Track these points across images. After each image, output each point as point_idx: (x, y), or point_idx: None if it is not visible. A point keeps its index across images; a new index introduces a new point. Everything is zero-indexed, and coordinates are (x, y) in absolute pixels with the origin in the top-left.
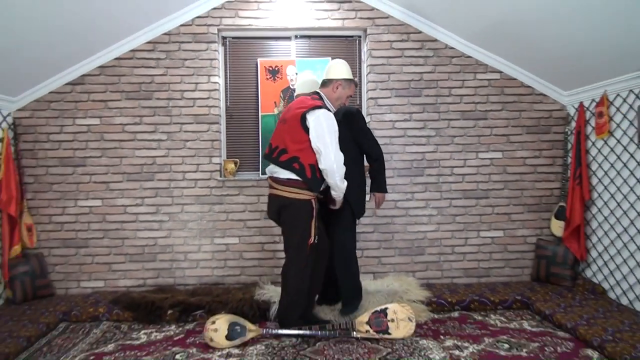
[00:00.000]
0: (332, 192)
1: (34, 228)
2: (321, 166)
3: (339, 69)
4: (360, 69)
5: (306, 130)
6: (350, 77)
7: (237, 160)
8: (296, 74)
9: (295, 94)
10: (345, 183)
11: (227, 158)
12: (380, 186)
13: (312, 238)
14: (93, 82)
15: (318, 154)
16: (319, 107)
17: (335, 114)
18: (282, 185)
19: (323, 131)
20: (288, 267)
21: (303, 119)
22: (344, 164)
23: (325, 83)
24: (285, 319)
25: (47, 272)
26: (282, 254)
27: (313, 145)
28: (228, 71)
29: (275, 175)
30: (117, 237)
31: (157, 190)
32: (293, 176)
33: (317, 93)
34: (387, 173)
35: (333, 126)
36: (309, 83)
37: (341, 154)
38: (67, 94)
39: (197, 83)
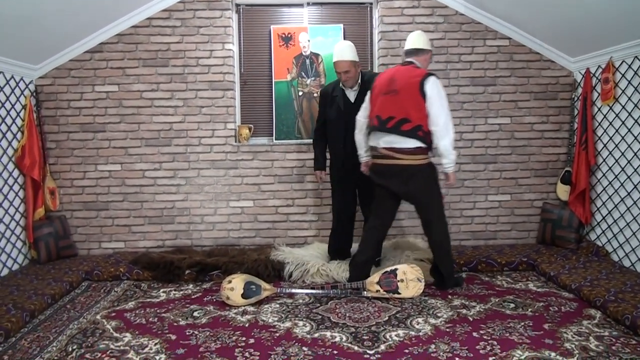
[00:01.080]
0: (444, 161)
1: (56, 191)
2: (436, 128)
3: (427, 40)
4: (371, 35)
5: (423, 97)
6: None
7: (251, 125)
8: (309, 40)
9: (336, 60)
10: (455, 153)
11: (242, 124)
12: None
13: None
14: (111, 49)
15: (436, 117)
16: (431, 74)
17: (368, 82)
18: (409, 155)
19: (440, 97)
20: (441, 233)
21: (421, 86)
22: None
23: (418, 52)
24: (454, 283)
25: (69, 234)
26: (296, 217)
27: (431, 110)
28: (242, 38)
29: (397, 145)
30: (136, 200)
31: (174, 155)
32: (419, 144)
33: (412, 62)
34: None
35: (444, 92)
36: (348, 49)
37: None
38: (87, 61)
39: (211, 50)
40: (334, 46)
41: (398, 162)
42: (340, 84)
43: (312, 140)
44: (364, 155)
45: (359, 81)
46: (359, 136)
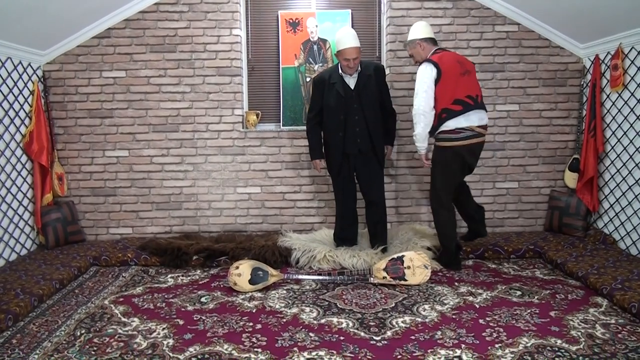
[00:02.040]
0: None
1: (64, 177)
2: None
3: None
4: (379, 20)
5: None
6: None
7: (259, 112)
8: (316, 26)
9: (347, 47)
10: None
11: (249, 110)
12: (393, 139)
13: None
14: (119, 35)
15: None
16: None
17: (366, 69)
18: (485, 130)
19: None
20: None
21: None
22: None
23: (434, 41)
24: (445, 262)
25: (77, 219)
26: (303, 203)
27: None
28: (249, 24)
29: (485, 122)
30: (144, 186)
31: (182, 141)
32: None
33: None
34: (407, 124)
35: None
36: (356, 35)
37: None
38: (94, 47)
39: (219, 36)
40: (335, 33)
41: (484, 138)
42: (340, 71)
43: (305, 129)
44: (425, 148)
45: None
46: (426, 130)
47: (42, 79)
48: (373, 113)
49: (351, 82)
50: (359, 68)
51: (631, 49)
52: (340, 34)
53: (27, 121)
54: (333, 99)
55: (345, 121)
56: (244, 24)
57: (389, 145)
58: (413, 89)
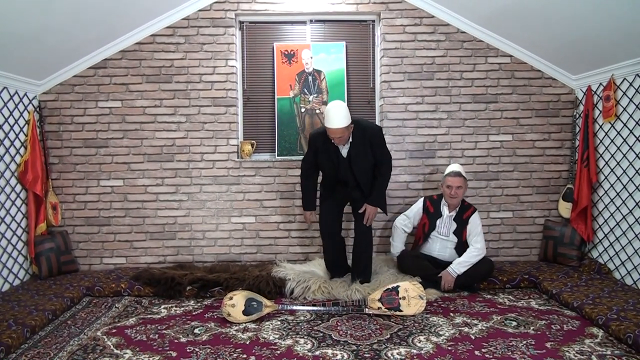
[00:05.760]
0: None
1: (58, 207)
2: None
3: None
4: (373, 52)
5: None
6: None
7: (254, 141)
8: (311, 57)
9: (330, 127)
10: None
11: (244, 140)
12: (377, 200)
13: None
14: (115, 65)
15: None
16: None
17: (361, 136)
18: None
19: None
20: None
21: None
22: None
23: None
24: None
25: (71, 249)
26: (297, 233)
27: None
28: (245, 55)
29: None
30: (138, 215)
31: (177, 171)
32: None
33: None
34: (399, 154)
35: None
36: (342, 112)
37: None
38: (90, 77)
39: (215, 67)
40: (326, 108)
41: None
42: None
43: (300, 171)
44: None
45: (351, 136)
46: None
47: (37, 109)
48: (366, 177)
49: (344, 150)
50: (351, 138)
51: (623, 80)
52: (327, 110)
53: (22, 150)
54: (326, 163)
55: (338, 180)
56: (239, 55)
57: (369, 204)
58: (407, 119)
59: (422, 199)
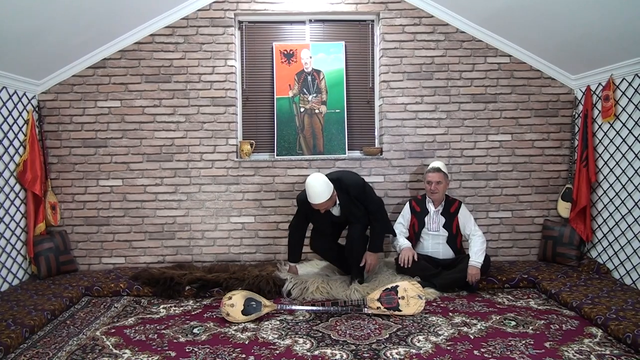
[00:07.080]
0: None
1: (57, 206)
2: None
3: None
4: (372, 52)
5: None
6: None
7: (253, 141)
8: (310, 57)
9: (312, 202)
10: None
11: (243, 139)
12: (375, 247)
13: None
14: (114, 65)
15: None
16: None
17: (346, 197)
18: None
19: None
20: None
21: None
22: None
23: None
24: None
25: (70, 249)
26: None
27: None
28: (244, 55)
29: None
30: (137, 215)
31: (176, 171)
32: None
33: None
34: (398, 154)
35: None
36: (323, 187)
37: None
38: (89, 77)
39: (214, 66)
40: (306, 182)
41: None
42: None
43: (289, 226)
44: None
45: (337, 199)
46: None
47: (37, 109)
48: (363, 218)
49: (335, 210)
50: (338, 200)
51: (622, 80)
52: (307, 185)
53: (21, 150)
54: (320, 222)
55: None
56: (238, 55)
57: (370, 253)
58: (406, 119)
59: (408, 201)
